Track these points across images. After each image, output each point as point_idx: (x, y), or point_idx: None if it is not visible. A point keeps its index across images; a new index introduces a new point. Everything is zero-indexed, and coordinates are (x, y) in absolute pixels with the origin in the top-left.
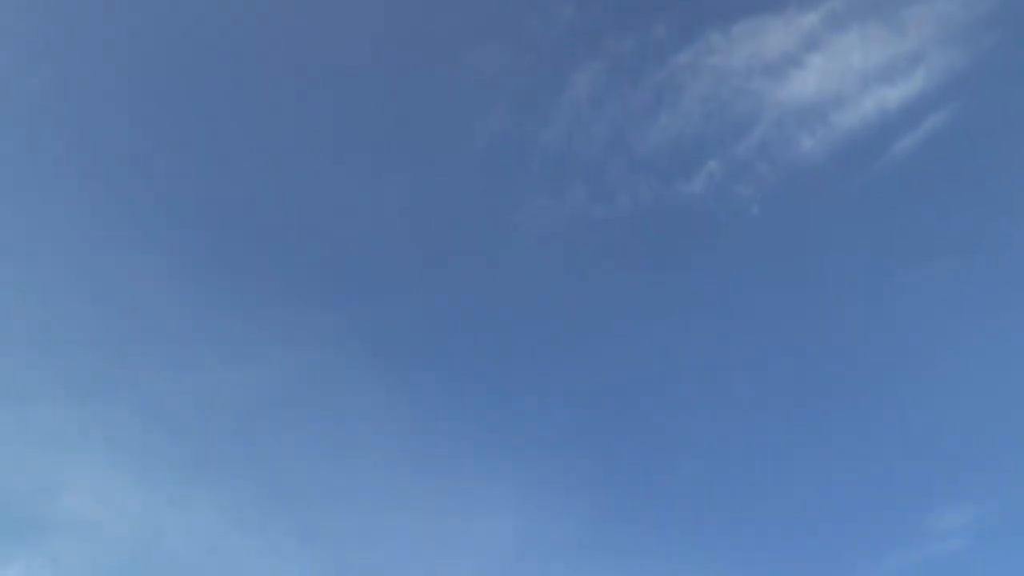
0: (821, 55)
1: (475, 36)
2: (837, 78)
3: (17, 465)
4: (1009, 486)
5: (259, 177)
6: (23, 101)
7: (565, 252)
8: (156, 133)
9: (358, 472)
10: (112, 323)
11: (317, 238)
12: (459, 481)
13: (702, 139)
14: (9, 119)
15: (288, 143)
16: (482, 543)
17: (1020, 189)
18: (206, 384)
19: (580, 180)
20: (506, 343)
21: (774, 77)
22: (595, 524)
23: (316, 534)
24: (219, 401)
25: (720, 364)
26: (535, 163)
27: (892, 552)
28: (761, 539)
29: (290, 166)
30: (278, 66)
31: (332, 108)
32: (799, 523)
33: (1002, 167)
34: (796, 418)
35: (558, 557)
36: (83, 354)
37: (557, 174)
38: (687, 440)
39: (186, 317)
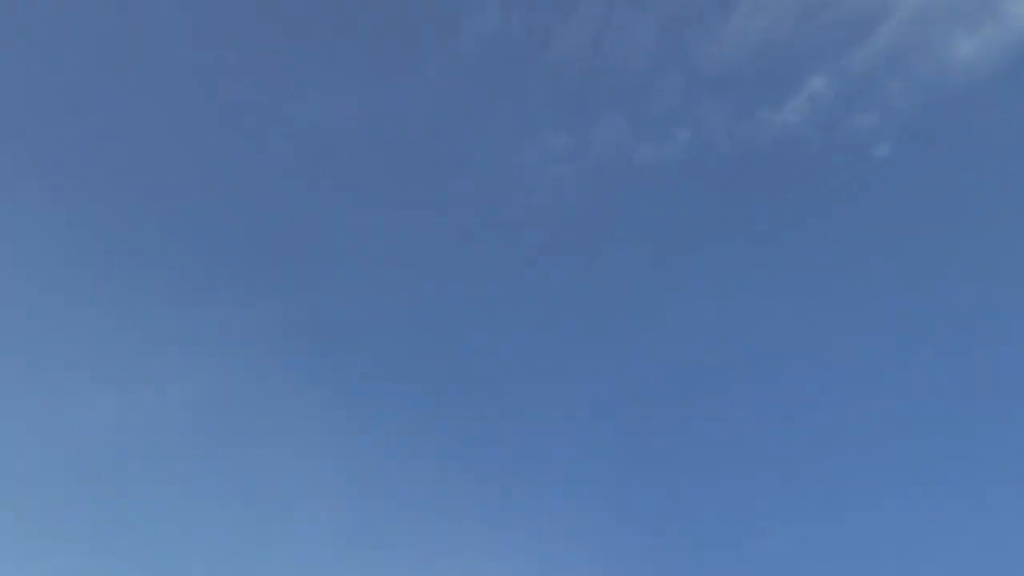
0: None
1: None
2: None
3: None
4: None
5: (130, 103)
6: None
7: (591, 211)
8: None
9: (295, 544)
10: None
11: (221, 193)
12: (441, 556)
13: (799, 47)
14: None
15: (174, 48)
16: None
17: None
18: (47, 421)
19: (614, 107)
20: (511, 343)
21: None
22: None
23: None
24: (69, 444)
25: (833, 372)
26: (547, 82)
27: None
28: None
29: (177, 83)
30: None
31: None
32: None
33: None
34: (947, 441)
35: None
36: None
37: (580, 98)
38: (776, 476)
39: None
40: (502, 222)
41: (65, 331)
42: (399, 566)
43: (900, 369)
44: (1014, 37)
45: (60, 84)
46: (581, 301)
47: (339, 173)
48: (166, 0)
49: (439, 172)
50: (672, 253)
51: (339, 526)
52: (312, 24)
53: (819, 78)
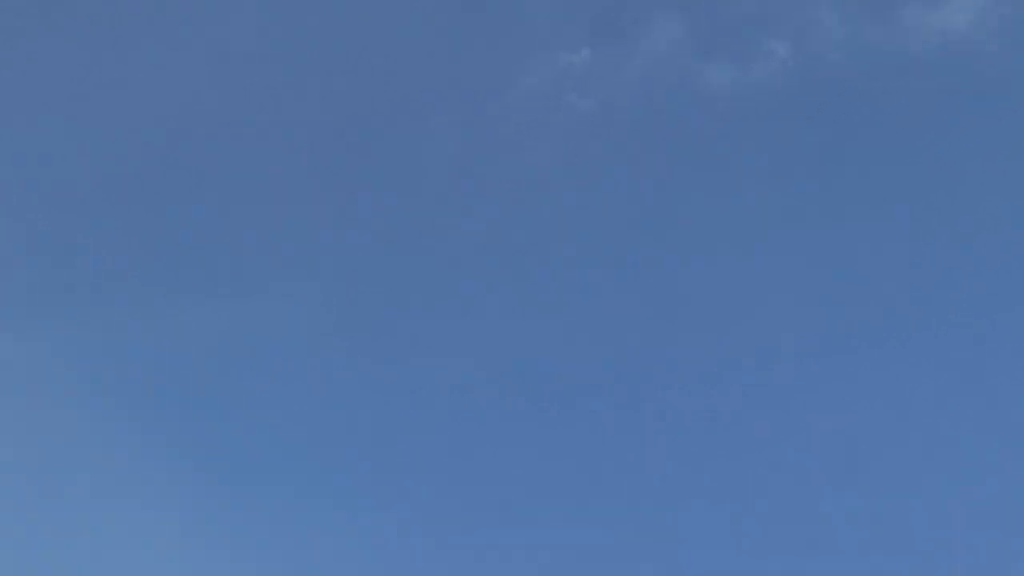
0: None
1: None
2: None
3: None
4: None
5: None
6: None
7: (632, 162)
8: None
9: None
10: None
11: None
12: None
13: None
14: None
15: None
16: None
17: None
18: None
19: (669, 7)
20: (504, 340)
21: None
22: None
23: None
24: None
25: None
26: None
27: None
28: None
29: None
30: None
31: None
32: None
33: None
34: None
35: None
36: None
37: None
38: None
39: None
40: (496, 181)
41: None
42: None
43: None
44: None
45: None
46: (603, 292)
47: (265, 110)
48: None
49: (407, 106)
50: (753, 222)
51: None
52: None
53: None
